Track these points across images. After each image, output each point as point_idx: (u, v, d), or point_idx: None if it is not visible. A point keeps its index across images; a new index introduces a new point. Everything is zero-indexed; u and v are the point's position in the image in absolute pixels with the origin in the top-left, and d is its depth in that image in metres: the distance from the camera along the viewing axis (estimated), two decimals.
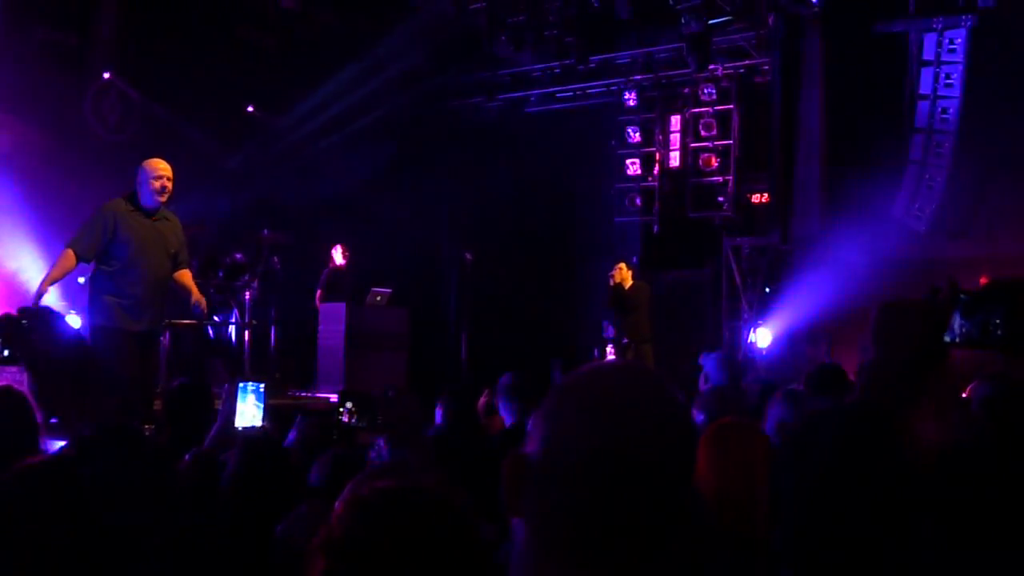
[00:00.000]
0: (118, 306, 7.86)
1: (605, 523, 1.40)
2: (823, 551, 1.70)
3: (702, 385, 6.08)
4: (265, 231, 12.77)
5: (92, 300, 7.81)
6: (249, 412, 5.41)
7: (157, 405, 7.06)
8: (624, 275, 12.99)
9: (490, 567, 1.53)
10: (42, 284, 7.70)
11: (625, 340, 13.01)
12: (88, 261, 7.88)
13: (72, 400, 1.66)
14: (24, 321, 1.64)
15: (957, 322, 1.77)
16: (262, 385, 5.44)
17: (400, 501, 1.51)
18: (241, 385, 5.43)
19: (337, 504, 1.54)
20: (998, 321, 1.73)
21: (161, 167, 7.99)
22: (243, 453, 3.93)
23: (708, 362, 6.19)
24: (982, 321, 1.75)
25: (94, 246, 7.81)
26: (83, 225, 7.91)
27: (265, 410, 5.44)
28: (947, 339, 1.77)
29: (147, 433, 5.10)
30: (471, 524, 1.54)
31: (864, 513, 1.70)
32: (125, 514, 1.73)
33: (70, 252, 7.78)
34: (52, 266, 7.79)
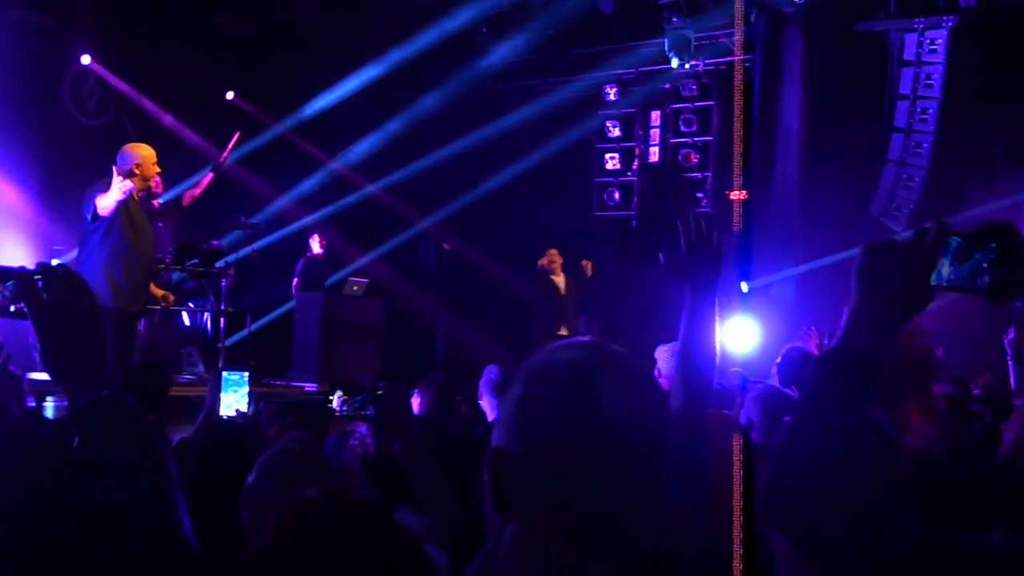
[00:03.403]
0: (118, 286, 7.94)
1: (596, 511, 1.37)
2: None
3: (658, 377, 6.00)
4: (242, 218, 12.71)
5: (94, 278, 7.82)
6: (233, 401, 5.39)
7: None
8: (554, 262, 13.15)
9: (420, 572, 1.52)
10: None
11: (564, 333, 13.09)
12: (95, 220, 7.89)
13: (74, 365, 1.64)
14: (38, 277, 1.62)
15: (946, 265, 1.75)
16: (246, 374, 5.41)
17: (325, 508, 1.50)
18: (225, 374, 5.40)
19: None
20: (985, 266, 1.72)
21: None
22: (204, 435, 3.93)
23: (660, 353, 6.09)
24: (969, 266, 1.73)
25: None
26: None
27: (250, 397, 5.41)
28: (934, 282, 1.75)
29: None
30: (399, 530, 1.52)
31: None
32: (113, 489, 1.70)
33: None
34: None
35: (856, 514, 1.63)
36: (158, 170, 8.36)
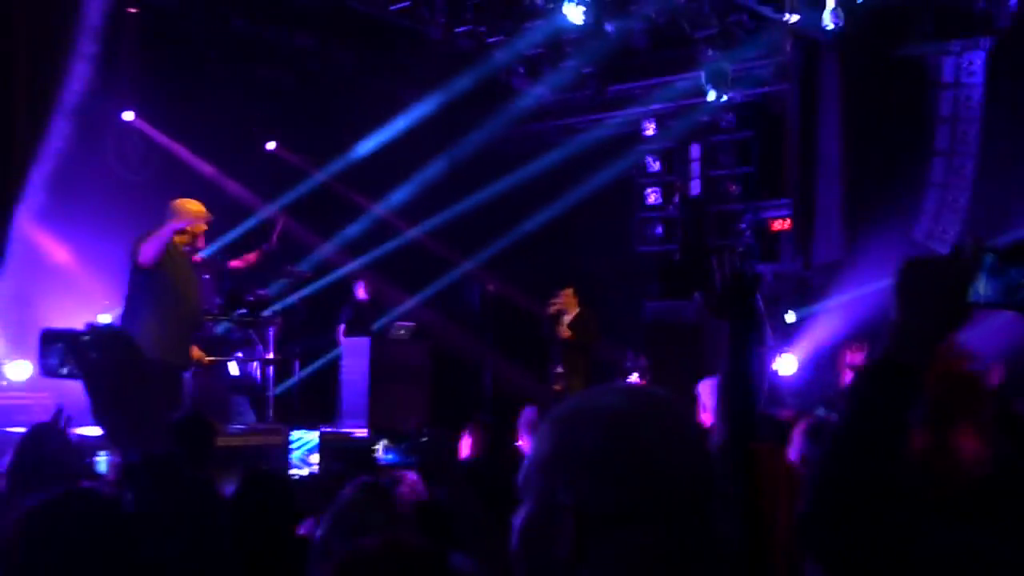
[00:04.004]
0: (165, 339, 7.98)
1: (655, 551, 1.40)
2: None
3: (700, 414, 5.91)
4: (287, 266, 12.82)
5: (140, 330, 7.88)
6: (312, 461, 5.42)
7: None
8: (569, 303, 13.01)
9: None
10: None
11: (559, 369, 12.99)
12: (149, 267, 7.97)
13: (125, 422, 1.66)
14: (87, 337, 1.64)
15: (982, 282, 1.74)
16: (317, 433, 5.44)
17: (383, 560, 1.51)
18: (295, 437, 5.43)
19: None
20: (1022, 282, 1.71)
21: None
22: (244, 482, 3.96)
23: (704, 388, 5.98)
24: (1007, 283, 1.73)
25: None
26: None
27: (321, 456, 5.42)
28: (971, 299, 1.75)
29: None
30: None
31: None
32: (165, 544, 1.72)
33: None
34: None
35: (894, 535, 1.62)
36: (205, 227, 8.45)
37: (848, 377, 6.20)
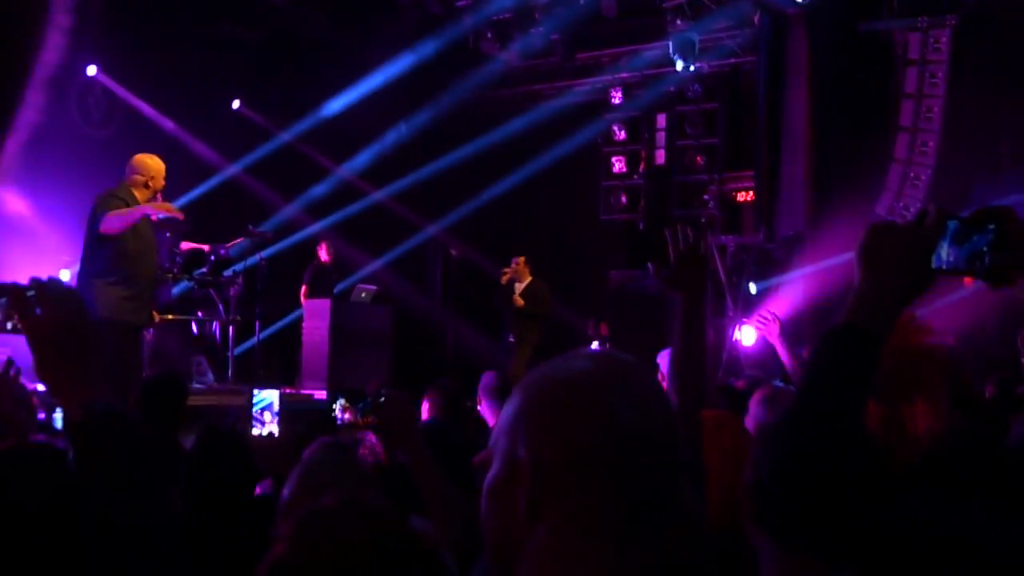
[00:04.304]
0: (124, 298, 7.93)
1: (621, 513, 1.40)
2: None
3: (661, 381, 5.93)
4: (250, 226, 12.73)
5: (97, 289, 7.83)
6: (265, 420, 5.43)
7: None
8: (521, 272, 12.99)
9: None
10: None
11: (511, 339, 12.99)
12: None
13: (69, 377, 1.63)
14: (30, 292, 1.62)
15: (945, 248, 1.76)
16: (276, 392, 5.45)
17: (344, 519, 1.51)
18: (256, 393, 5.44)
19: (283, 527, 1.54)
20: (985, 249, 1.73)
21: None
22: (200, 441, 3.95)
23: (663, 358, 6.04)
24: (970, 249, 1.74)
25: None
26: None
27: (280, 416, 5.44)
28: (934, 265, 1.76)
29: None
30: (417, 537, 1.54)
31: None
32: (107, 500, 1.71)
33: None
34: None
35: (850, 504, 1.63)
36: (164, 184, 8.36)
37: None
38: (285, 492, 3.13)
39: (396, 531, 1.51)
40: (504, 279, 12.96)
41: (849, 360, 1.74)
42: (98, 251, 7.95)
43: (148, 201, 8.12)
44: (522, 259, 12.97)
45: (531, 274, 13.02)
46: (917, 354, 2.74)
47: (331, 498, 1.56)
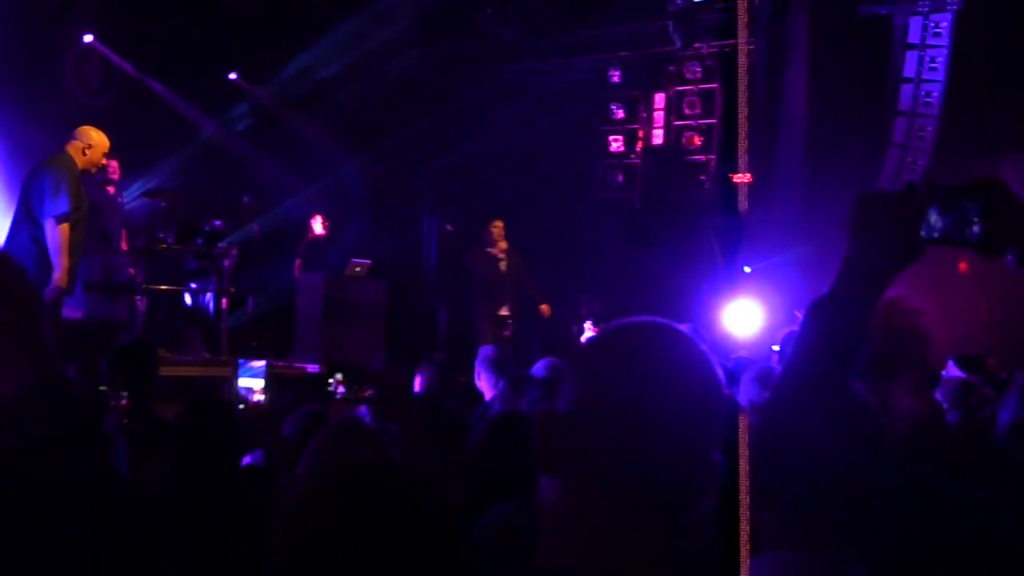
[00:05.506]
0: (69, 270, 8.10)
1: (640, 472, 1.39)
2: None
3: None
4: (245, 198, 12.71)
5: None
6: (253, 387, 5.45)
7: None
8: (499, 236, 12.99)
9: (455, 545, 1.53)
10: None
11: (505, 313, 13.00)
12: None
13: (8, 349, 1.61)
14: None
15: (933, 217, 1.75)
16: (264, 363, 5.49)
17: (376, 470, 1.52)
18: (242, 362, 5.47)
19: (303, 471, 1.55)
20: (975, 219, 1.72)
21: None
22: (187, 411, 3.96)
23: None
24: (959, 218, 1.73)
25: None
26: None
27: (267, 385, 5.47)
28: (924, 234, 1.75)
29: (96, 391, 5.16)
30: (443, 502, 1.54)
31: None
32: (44, 471, 1.70)
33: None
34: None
35: (841, 479, 1.63)
36: (105, 162, 8.64)
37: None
38: (300, 467, 3.11)
39: (425, 491, 1.52)
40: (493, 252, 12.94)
41: (837, 329, 1.72)
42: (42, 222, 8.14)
43: (84, 169, 8.35)
44: (500, 222, 12.99)
45: (505, 239, 13.04)
46: (906, 333, 2.74)
47: (364, 452, 1.57)
